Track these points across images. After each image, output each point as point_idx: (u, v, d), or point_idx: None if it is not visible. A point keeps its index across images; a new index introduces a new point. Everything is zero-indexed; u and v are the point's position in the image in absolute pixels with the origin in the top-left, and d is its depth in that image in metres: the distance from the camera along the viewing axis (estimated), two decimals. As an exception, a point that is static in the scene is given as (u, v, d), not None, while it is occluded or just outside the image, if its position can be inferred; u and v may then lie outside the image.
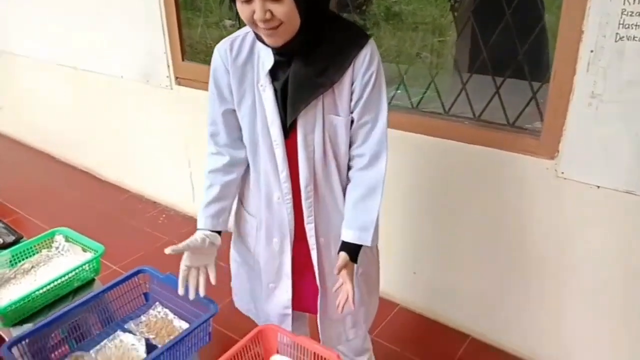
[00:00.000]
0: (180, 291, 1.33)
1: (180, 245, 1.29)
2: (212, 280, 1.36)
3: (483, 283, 2.18)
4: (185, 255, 1.33)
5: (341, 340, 1.50)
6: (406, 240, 2.32)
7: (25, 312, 1.58)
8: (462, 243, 2.18)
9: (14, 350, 1.36)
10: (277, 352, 1.37)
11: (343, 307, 1.28)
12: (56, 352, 1.43)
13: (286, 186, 1.33)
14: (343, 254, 1.29)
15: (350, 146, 1.33)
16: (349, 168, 1.37)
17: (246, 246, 1.48)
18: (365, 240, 1.32)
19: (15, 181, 3.79)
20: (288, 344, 1.35)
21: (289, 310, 1.45)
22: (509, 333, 2.19)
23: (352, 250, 1.31)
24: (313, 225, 1.36)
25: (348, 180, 1.37)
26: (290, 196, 1.34)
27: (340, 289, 1.29)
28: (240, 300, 1.58)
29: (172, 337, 1.45)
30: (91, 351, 1.44)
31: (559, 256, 1.93)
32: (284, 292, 1.44)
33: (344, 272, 1.28)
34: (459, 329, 2.33)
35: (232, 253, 1.55)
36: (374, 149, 1.31)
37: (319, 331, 1.46)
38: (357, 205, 1.32)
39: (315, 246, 1.38)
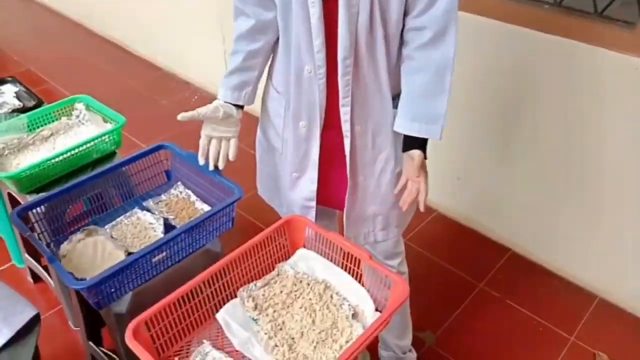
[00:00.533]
0: (201, 161, 1.26)
1: (190, 112, 1.16)
2: (231, 156, 1.25)
3: (534, 195, 1.98)
4: (204, 124, 1.22)
5: (368, 241, 1.36)
6: (454, 140, 2.09)
7: (42, 179, 1.49)
8: (517, 147, 1.95)
9: (30, 214, 1.29)
10: (304, 247, 1.24)
11: (407, 205, 1.20)
12: (74, 227, 1.34)
13: (320, 57, 1.11)
14: (419, 154, 1.16)
15: (405, 15, 1.09)
16: (401, 43, 1.14)
17: (274, 128, 1.31)
18: (434, 133, 1.15)
19: (48, 51, 3.66)
20: (316, 239, 1.21)
21: (313, 204, 1.31)
22: (555, 252, 2.02)
23: (420, 145, 1.16)
24: (349, 108, 1.16)
25: (399, 58, 1.15)
26: (324, 70, 1.13)
27: (405, 188, 1.19)
28: (264, 187, 1.44)
29: (192, 219, 1.34)
30: (106, 226, 1.34)
31: (635, 175, 1.69)
32: (308, 183, 1.29)
33: (419, 171, 1.17)
34: (499, 241, 2.18)
35: (259, 135, 1.38)
36: (440, 22, 1.07)
37: (344, 229, 1.32)
38: (424, 92, 1.12)
39: (349, 134, 1.20)
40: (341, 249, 1.15)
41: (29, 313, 1.03)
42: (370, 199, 1.29)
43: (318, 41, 1.09)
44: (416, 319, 1.63)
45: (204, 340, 1.06)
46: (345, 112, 1.17)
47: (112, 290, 1.13)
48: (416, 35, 1.10)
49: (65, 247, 1.25)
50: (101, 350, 1.42)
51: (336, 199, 1.32)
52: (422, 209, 1.19)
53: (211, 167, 1.25)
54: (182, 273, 1.26)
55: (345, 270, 1.17)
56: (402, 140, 1.21)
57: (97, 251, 1.25)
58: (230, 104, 1.23)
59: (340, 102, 1.16)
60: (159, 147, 1.46)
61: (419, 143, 1.17)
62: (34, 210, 1.29)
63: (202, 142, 1.23)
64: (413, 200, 1.20)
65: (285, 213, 1.37)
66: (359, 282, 1.15)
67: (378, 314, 1.09)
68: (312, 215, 1.32)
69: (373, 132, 1.21)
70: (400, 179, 1.23)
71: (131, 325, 0.97)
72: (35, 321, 1.05)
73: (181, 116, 1.15)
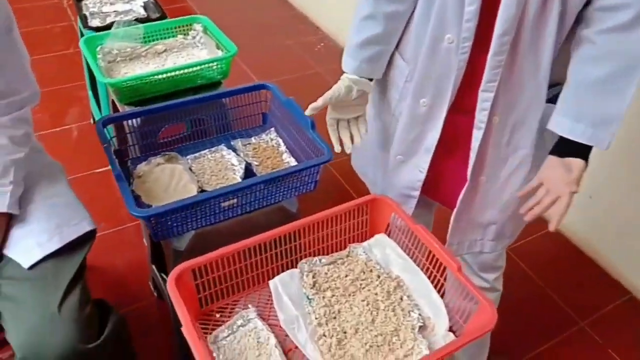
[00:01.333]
0: (336, 148, 1.07)
1: (320, 101, 1.00)
2: (362, 133, 1.07)
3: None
4: (329, 108, 1.04)
5: (472, 250, 1.15)
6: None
7: (142, 93, 1.45)
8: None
9: (125, 125, 1.27)
10: (385, 233, 1.08)
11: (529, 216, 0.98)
12: (163, 149, 1.30)
13: (469, 27, 0.90)
14: (579, 165, 0.94)
15: None
16: (578, 22, 0.90)
17: (386, 100, 1.12)
18: (600, 140, 0.91)
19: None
20: (400, 229, 1.04)
21: (415, 194, 1.12)
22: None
23: (581, 152, 0.93)
24: (491, 95, 0.94)
25: (569, 40, 0.91)
26: (469, 44, 0.91)
27: (532, 195, 0.97)
28: (358, 159, 1.27)
29: (274, 170, 1.23)
30: (189, 157, 1.27)
31: None
32: (415, 171, 1.10)
33: (573, 185, 0.94)
34: (619, 279, 1.85)
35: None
36: None
37: (449, 233, 1.11)
38: (600, 86, 0.89)
39: (483, 125, 0.97)
40: (427, 248, 0.98)
41: (84, 227, 1.00)
42: (489, 204, 1.08)
43: (472, 7, 0.88)
44: (497, 339, 1.41)
45: (250, 306, 0.96)
46: (486, 98, 0.95)
47: (174, 225, 1.06)
48: (607, 16, 0.85)
49: (142, 167, 1.21)
50: (161, 277, 1.39)
51: (446, 195, 1.12)
52: (553, 228, 0.96)
53: (347, 150, 1.07)
54: (250, 225, 1.16)
55: (426, 273, 0.99)
56: (547, 141, 0.98)
57: (172, 180, 1.19)
58: (365, 78, 1.05)
59: (482, 86, 0.94)
60: (260, 87, 1.35)
61: (579, 150, 0.93)
62: (130, 122, 1.26)
63: (331, 127, 1.06)
64: (539, 214, 0.98)
65: (378, 192, 1.20)
66: (439, 292, 0.97)
67: (451, 335, 0.91)
68: (410, 205, 1.14)
69: (513, 127, 0.98)
70: (531, 182, 0.99)
71: (176, 270, 0.89)
72: (89, 237, 1.01)
73: (311, 109, 0.99)
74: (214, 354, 0.88)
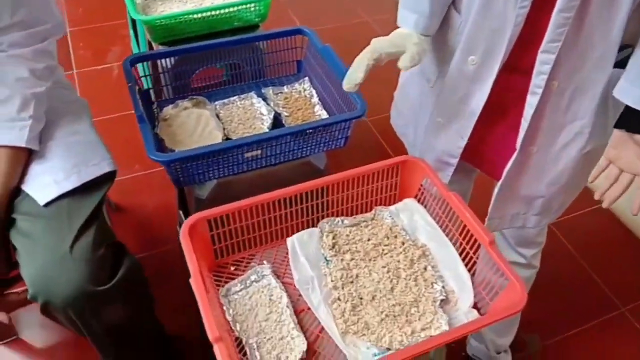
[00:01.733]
0: (360, 78, 0.90)
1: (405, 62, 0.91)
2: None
3: None
4: (370, 52, 0.91)
5: (514, 224, 1.06)
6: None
7: (176, 33, 1.40)
8: None
9: (159, 64, 1.24)
10: (415, 198, 1.01)
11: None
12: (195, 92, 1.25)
13: None
14: None
15: None
16: None
17: (433, 53, 1.02)
18: None
19: None
20: (432, 195, 0.97)
21: (454, 161, 1.04)
22: None
23: None
24: (553, 57, 0.82)
25: None
26: (529, 2, 0.80)
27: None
28: (398, 118, 1.18)
29: (303, 123, 1.17)
30: (216, 103, 1.22)
31: None
32: (456, 137, 1.01)
33: None
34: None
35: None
36: None
37: (491, 204, 1.02)
38: None
39: (540, 90, 0.86)
40: (458, 218, 0.90)
41: (103, 168, 0.98)
42: (538, 176, 0.98)
43: None
44: (528, 317, 1.34)
45: (266, 262, 0.92)
46: (545, 60, 0.83)
47: (195, 172, 1.02)
48: None
49: (168, 110, 1.17)
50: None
51: (490, 163, 1.03)
52: (636, 211, 0.86)
53: (351, 89, 0.92)
54: (274, 179, 1.12)
55: (455, 245, 0.93)
56: (609, 110, 0.87)
57: (198, 125, 1.14)
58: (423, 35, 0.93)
59: (543, 46, 0.82)
60: (296, 31, 1.27)
61: None
62: (163, 62, 1.22)
63: (362, 60, 0.90)
64: (618, 197, 0.88)
65: (416, 154, 1.12)
66: (467, 266, 0.90)
67: (474, 313, 0.85)
68: (447, 173, 1.06)
69: (573, 93, 0.87)
70: (600, 163, 0.89)
71: (191, 219, 0.85)
72: (108, 178, 0.99)
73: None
74: (224, 307, 0.85)
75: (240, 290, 0.89)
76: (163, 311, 1.14)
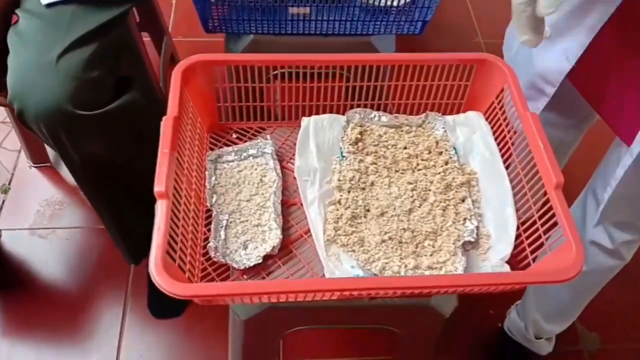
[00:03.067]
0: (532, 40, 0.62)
1: None
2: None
3: None
4: None
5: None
6: None
7: None
8: None
9: None
10: (484, 115, 0.77)
11: None
12: None
13: None
14: None
15: None
16: None
17: None
18: None
19: None
20: (508, 115, 0.73)
21: (550, 90, 0.78)
22: None
23: None
24: None
25: None
26: None
27: None
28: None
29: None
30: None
31: None
32: (561, 57, 0.74)
33: None
34: None
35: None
36: None
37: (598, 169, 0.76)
38: None
39: None
40: (527, 147, 0.66)
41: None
42: None
43: None
44: (594, 310, 1.07)
45: (271, 139, 0.76)
46: None
47: (231, 18, 0.86)
48: None
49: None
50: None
51: (616, 111, 0.76)
52: None
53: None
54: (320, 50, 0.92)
55: (512, 183, 0.70)
56: None
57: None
58: None
59: None
60: None
61: None
62: None
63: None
64: None
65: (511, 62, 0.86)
66: (518, 212, 0.68)
67: (505, 268, 0.64)
68: (538, 105, 0.81)
69: None
70: None
71: (188, 61, 0.70)
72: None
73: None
74: (207, 172, 0.71)
75: (233, 160, 0.74)
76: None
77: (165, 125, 0.62)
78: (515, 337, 1.12)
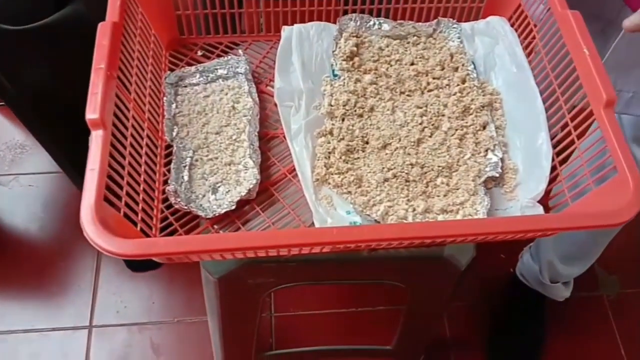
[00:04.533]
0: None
1: None
2: None
3: None
4: None
5: None
6: None
7: None
8: None
9: None
10: (509, 21, 0.62)
11: None
12: None
13: None
14: None
15: None
16: None
17: None
18: None
19: None
20: (535, 19, 0.58)
21: None
22: None
23: None
24: None
25: None
26: None
27: None
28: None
29: None
30: None
31: None
32: None
33: None
34: None
35: None
36: None
37: None
38: None
39: None
40: (568, 56, 0.52)
41: None
42: None
43: None
44: (616, 253, 0.96)
45: (244, 55, 0.61)
46: None
47: None
48: None
49: None
50: None
51: None
52: None
53: None
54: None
55: (546, 103, 0.56)
56: None
57: None
58: None
59: None
60: None
61: None
62: None
63: None
64: None
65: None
66: (553, 140, 0.54)
67: (538, 209, 0.51)
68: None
69: None
70: None
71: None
72: None
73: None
74: (166, 99, 0.57)
75: (198, 83, 0.60)
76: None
77: (101, 34, 0.47)
78: (529, 283, 1.02)
